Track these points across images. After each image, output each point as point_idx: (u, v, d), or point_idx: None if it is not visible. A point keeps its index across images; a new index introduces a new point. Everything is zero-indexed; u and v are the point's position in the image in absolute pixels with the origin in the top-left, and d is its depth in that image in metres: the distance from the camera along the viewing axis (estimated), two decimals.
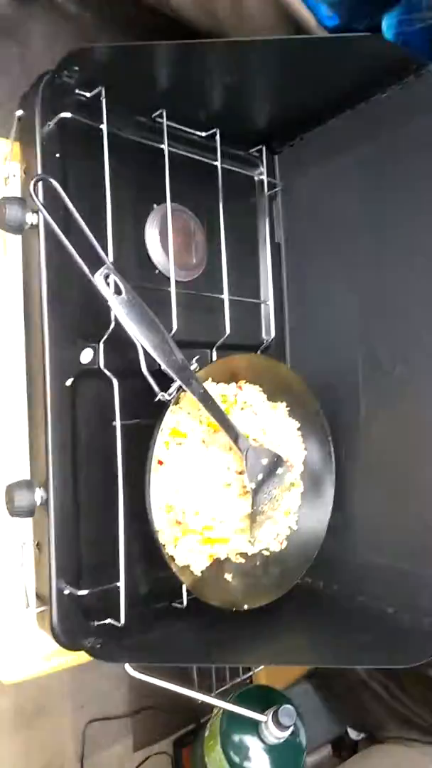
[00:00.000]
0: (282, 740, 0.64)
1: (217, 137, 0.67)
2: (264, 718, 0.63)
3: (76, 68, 0.54)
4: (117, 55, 0.52)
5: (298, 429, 0.69)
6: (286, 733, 0.63)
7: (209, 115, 0.66)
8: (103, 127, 0.57)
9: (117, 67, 0.55)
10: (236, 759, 0.67)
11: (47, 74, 0.55)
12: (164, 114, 0.62)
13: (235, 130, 0.69)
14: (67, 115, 0.55)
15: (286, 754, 0.67)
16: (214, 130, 0.67)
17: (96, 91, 0.57)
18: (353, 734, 1.30)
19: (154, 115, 0.63)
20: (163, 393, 0.55)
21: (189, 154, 0.68)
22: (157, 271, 0.65)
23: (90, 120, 0.58)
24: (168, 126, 0.62)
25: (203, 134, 0.68)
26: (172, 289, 0.62)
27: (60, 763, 1.07)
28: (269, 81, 0.63)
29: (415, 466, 0.63)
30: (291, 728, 0.63)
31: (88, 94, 0.57)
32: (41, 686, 1.05)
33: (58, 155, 0.56)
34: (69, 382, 0.56)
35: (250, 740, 0.67)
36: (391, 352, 0.65)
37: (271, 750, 0.66)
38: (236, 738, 0.68)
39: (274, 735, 0.63)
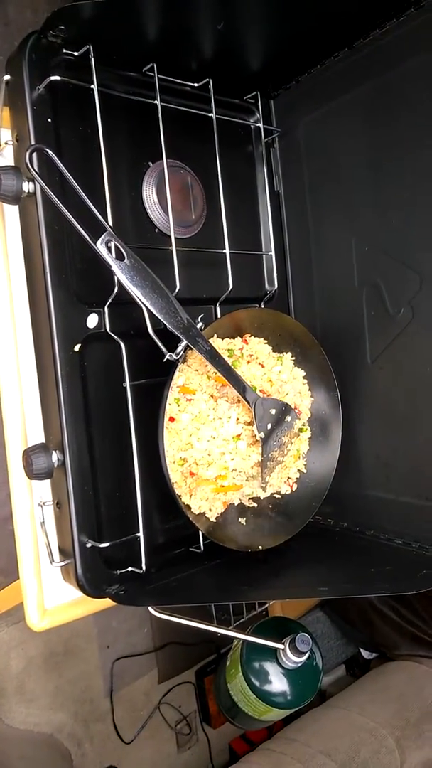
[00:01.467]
0: (299, 665, 0.69)
1: (210, 87, 0.66)
2: (281, 646, 0.68)
3: (62, 27, 0.53)
4: (103, 10, 0.50)
5: (305, 377, 0.71)
6: (303, 658, 0.68)
7: (201, 64, 0.64)
8: (94, 86, 0.56)
9: (104, 22, 0.53)
10: (257, 684, 0.72)
11: (33, 35, 0.53)
12: (155, 67, 0.61)
13: (228, 77, 0.68)
14: (56, 78, 0.55)
15: (304, 677, 0.72)
16: (207, 79, 0.66)
17: (84, 49, 0.56)
18: (365, 654, 1.39)
19: (144, 69, 0.62)
20: (170, 353, 0.56)
21: (182, 108, 0.67)
22: (156, 230, 0.65)
23: (79, 80, 0.57)
24: (159, 79, 0.61)
25: (196, 85, 0.66)
26: (173, 248, 0.62)
27: (90, 698, 1.16)
28: (260, 20, 0.60)
29: (421, 406, 0.65)
30: (307, 653, 0.67)
31: (76, 53, 0.56)
32: (69, 630, 1.12)
33: (49, 120, 0.55)
34: (77, 348, 0.58)
35: (270, 666, 0.72)
36: (395, 296, 0.66)
37: (290, 674, 0.72)
38: (256, 665, 0.73)
39: (292, 660, 0.68)
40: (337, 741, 1.02)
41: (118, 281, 0.55)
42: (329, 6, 0.58)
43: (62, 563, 0.60)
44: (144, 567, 0.60)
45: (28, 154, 0.50)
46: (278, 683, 0.72)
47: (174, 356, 0.57)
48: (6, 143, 0.59)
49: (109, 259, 0.51)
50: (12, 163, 0.58)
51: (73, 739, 1.12)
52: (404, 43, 0.61)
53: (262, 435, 0.64)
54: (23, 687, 1.07)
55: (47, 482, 0.62)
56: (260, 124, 0.74)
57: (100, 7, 0.50)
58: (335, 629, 1.41)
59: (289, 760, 0.99)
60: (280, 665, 0.71)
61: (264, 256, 0.76)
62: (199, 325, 0.58)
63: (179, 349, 0.57)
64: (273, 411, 0.65)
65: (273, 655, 0.72)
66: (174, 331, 0.55)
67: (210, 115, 0.67)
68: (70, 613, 0.65)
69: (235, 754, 1.32)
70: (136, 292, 0.53)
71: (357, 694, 1.15)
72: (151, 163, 0.65)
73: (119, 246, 0.52)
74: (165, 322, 0.55)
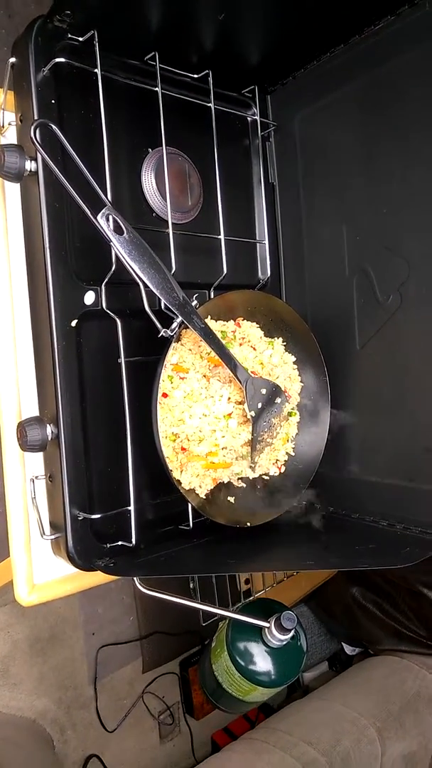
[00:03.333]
0: (284, 643, 0.71)
1: (210, 78, 0.68)
2: (267, 624, 0.69)
3: (68, 12, 0.55)
4: None
5: (295, 362, 0.73)
6: (288, 636, 0.69)
7: (201, 55, 0.66)
8: (98, 71, 0.58)
9: (108, 9, 0.55)
10: (242, 663, 0.73)
11: (39, 20, 0.55)
12: (157, 56, 0.63)
13: (228, 70, 0.70)
14: (61, 60, 0.56)
15: (288, 656, 0.73)
16: (207, 71, 0.68)
17: (88, 35, 0.58)
18: (348, 650, 1.41)
19: (146, 57, 0.64)
20: (165, 329, 0.58)
21: (182, 97, 0.69)
22: (154, 214, 0.67)
23: (83, 64, 0.59)
24: (161, 68, 0.63)
25: (196, 76, 0.68)
26: (170, 231, 0.64)
27: (74, 685, 1.17)
28: (260, 15, 0.63)
29: (406, 391, 0.67)
30: (292, 632, 0.69)
31: (80, 39, 0.58)
32: (55, 615, 1.13)
33: (53, 101, 0.57)
34: (74, 323, 0.59)
35: (255, 646, 0.74)
36: (384, 284, 0.68)
37: (275, 653, 0.73)
38: (241, 645, 0.74)
39: (277, 638, 0.69)
40: (319, 730, 1.03)
41: (116, 259, 0.57)
42: (326, 2, 0.61)
43: (53, 536, 0.61)
44: (134, 540, 0.62)
45: (32, 128, 0.51)
46: (263, 662, 0.73)
47: (169, 332, 0.58)
48: (9, 124, 0.61)
49: (109, 232, 0.53)
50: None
51: (55, 726, 1.12)
52: (399, 40, 0.64)
53: (253, 414, 0.66)
54: (8, 671, 1.07)
55: (40, 458, 0.63)
56: (257, 118, 0.76)
57: None
58: (319, 624, 1.43)
59: (271, 748, 1.00)
60: (265, 644, 0.72)
61: (258, 245, 0.78)
62: (194, 303, 0.60)
63: (174, 325, 0.58)
64: (264, 391, 0.67)
65: (258, 634, 0.73)
66: (169, 306, 0.57)
67: (209, 105, 0.69)
68: (59, 590, 0.66)
69: (217, 747, 1.33)
70: (133, 267, 0.55)
71: (339, 686, 1.16)
72: (150, 150, 0.67)
73: (118, 221, 0.54)
74: (161, 297, 0.56)
